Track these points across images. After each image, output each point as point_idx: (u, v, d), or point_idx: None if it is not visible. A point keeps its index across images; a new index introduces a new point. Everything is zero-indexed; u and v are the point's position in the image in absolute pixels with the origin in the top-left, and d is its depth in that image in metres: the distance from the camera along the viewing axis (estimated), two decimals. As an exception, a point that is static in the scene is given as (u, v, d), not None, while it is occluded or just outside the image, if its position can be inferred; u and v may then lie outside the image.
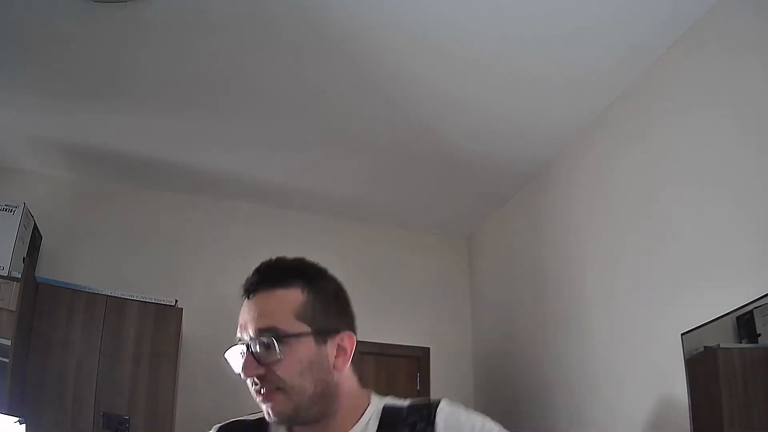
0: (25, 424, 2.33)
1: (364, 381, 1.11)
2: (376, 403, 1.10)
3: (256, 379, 0.99)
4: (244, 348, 1.00)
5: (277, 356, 0.98)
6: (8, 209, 2.96)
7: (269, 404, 1.00)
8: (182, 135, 3.34)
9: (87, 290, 3.00)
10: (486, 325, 4.03)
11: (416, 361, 3.96)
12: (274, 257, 1.13)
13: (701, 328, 2.21)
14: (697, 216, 2.35)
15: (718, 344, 2.16)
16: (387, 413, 1.09)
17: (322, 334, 1.02)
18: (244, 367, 0.99)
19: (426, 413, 1.08)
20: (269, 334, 0.99)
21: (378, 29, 2.55)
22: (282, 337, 0.99)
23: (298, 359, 0.99)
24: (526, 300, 3.55)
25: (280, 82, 2.88)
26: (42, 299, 2.88)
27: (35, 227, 3.17)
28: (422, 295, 4.12)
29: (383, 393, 1.14)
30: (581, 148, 3.19)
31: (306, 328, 1.01)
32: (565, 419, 3.03)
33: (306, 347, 1.00)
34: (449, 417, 1.07)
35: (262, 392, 1.00)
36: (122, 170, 3.67)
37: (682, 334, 2.28)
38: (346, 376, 1.05)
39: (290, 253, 3.88)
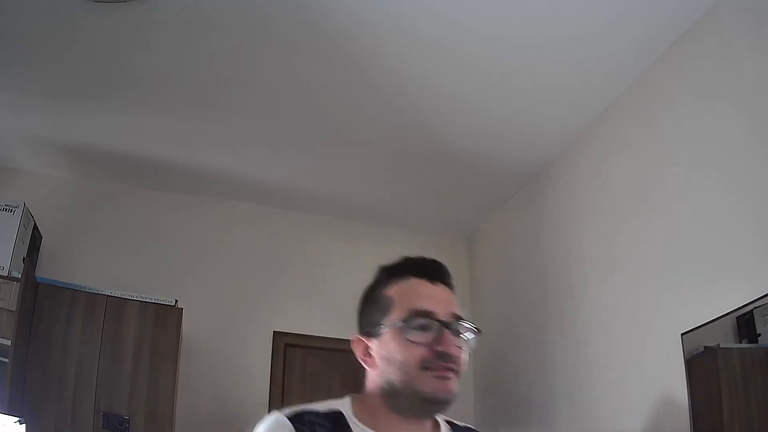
0: (25, 424, 2.33)
1: None
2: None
3: (452, 357, 1.07)
4: (439, 326, 1.08)
5: (470, 344, 1.13)
6: (8, 209, 2.96)
7: (449, 383, 1.07)
8: (182, 135, 3.34)
9: (87, 290, 2.99)
10: (486, 325, 3.99)
11: (416, 361, 3.96)
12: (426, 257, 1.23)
13: (701, 328, 2.21)
14: (697, 216, 2.35)
15: (718, 344, 2.16)
16: (453, 426, 1.22)
17: None
18: (450, 342, 1.07)
19: None
20: (465, 321, 1.13)
21: (378, 29, 2.55)
22: (475, 328, 1.13)
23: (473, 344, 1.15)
24: (526, 300, 3.55)
25: (280, 81, 2.88)
26: (42, 299, 2.88)
27: (35, 227, 3.17)
28: (422, 295, 4.11)
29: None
30: (581, 148, 3.19)
31: None
32: (565, 419, 3.03)
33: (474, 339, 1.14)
34: None
35: (447, 369, 1.06)
36: (122, 170, 3.67)
37: (682, 334, 2.28)
38: None
39: (290, 253, 3.87)
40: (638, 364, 2.56)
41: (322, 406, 1.10)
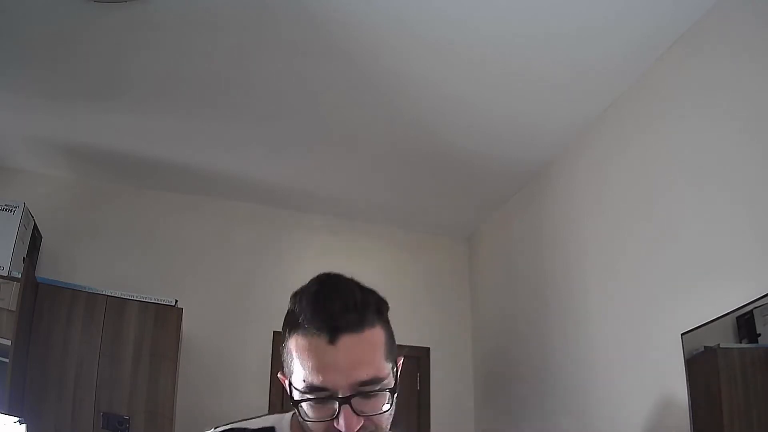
0: (25, 424, 2.33)
1: None
2: None
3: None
4: (336, 403, 0.91)
5: (384, 407, 0.94)
6: (8, 209, 2.96)
7: None
8: (182, 135, 3.34)
9: (87, 290, 3.00)
10: (486, 325, 4.03)
11: (416, 361, 3.96)
12: (321, 281, 1.01)
13: (701, 328, 2.21)
14: (697, 216, 2.35)
15: (718, 344, 2.16)
16: None
17: (395, 367, 0.99)
18: (348, 425, 0.91)
19: None
20: (373, 386, 0.93)
21: (378, 29, 2.55)
22: (388, 388, 0.95)
23: (393, 404, 0.96)
24: (526, 300, 3.55)
25: (280, 82, 2.88)
26: (42, 299, 2.88)
27: (35, 227, 3.17)
28: (422, 295, 4.12)
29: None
30: (581, 148, 3.19)
31: (392, 366, 0.98)
32: (565, 419, 3.03)
33: (395, 396, 0.97)
34: None
35: None
36: (122, 170, 3.67)
37: (682, 334, 2.28)
38: None
39: (290, 253, 3.85)
40: (638, 364, 2.56)
41: (257, 422, 1.07)
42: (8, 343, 2.59)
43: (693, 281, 2.32)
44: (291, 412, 1.07)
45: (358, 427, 0.92)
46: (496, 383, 3.80)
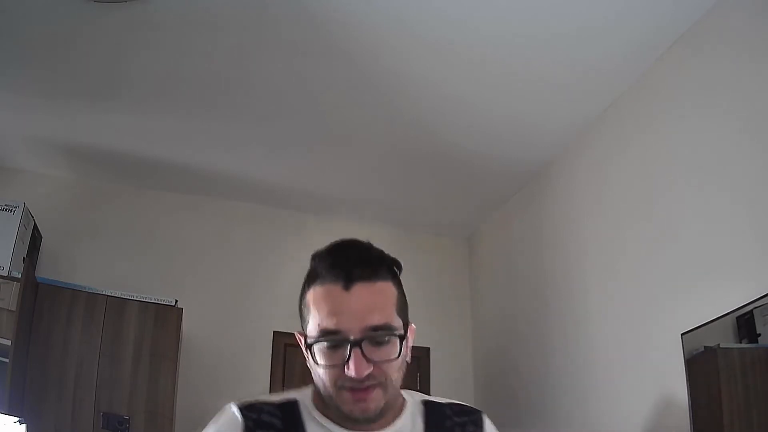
0: (25, 424, 2.33)
1: None
2: (411, 397, 1.12)
3: (362, 380, 0.95)
4: (348, 346, 0.95)
5: (393, 355, 0.98)
6: (8, 209, 2.96)
7: (367, 402, 0.97)
8: (182, 135, 3.34)
9: (87, 290, 3.00)
10: (486, 325, 4.03)
11: (416, 361, 3.96)
12: (339, 242, 1.07)
13: (701, 328, 2.21)
14: (697, 216, 2.35)
15: (718, 344, 2.16)
16: (431, 409, 1.11)
17: (405, 328, 1.03)
18: (357, 368, 0.94)
19: (474, 419, 1.12)
20: (384, 332, 0.98)
21: (378, 29, 2.55)
22: (397, 335, 0.99)
23: (403, 355, 1.00)
24: (526, 300, 3.55)
25: (280, 82, 2.88)
26: (42, 299, 2.88)
27: (35, 227, 3.17)
28: (422, 295, 4.11)
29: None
30: (581, 148, 3.19)
31: (402, 323, 1.02)
32: (565, 419, 3.03)
33: (404, 343, 1.01)
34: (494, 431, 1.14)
35: (363, 390, 0.96)
36: (122, 170, 3.67)
37: (682, 334, 2.28)
38: None
39: (290, 253, 3.85)
40: (638, 364, 2.56)
41: (279, 396, 1.09)
42: (8, 343, 2.59)
43: (693, 281, 2.32)
44: (311, 387, 1.09)
45: (367, 373, 0.95)
46: (496, 383, 3.80)
